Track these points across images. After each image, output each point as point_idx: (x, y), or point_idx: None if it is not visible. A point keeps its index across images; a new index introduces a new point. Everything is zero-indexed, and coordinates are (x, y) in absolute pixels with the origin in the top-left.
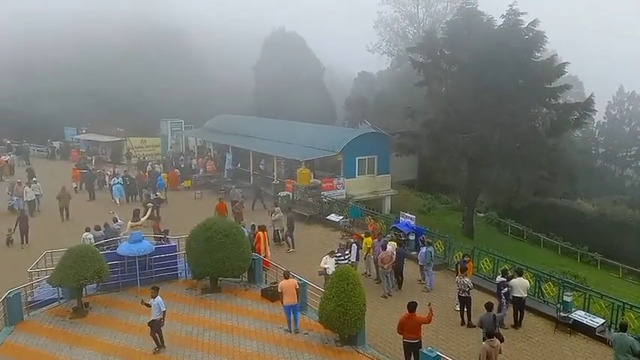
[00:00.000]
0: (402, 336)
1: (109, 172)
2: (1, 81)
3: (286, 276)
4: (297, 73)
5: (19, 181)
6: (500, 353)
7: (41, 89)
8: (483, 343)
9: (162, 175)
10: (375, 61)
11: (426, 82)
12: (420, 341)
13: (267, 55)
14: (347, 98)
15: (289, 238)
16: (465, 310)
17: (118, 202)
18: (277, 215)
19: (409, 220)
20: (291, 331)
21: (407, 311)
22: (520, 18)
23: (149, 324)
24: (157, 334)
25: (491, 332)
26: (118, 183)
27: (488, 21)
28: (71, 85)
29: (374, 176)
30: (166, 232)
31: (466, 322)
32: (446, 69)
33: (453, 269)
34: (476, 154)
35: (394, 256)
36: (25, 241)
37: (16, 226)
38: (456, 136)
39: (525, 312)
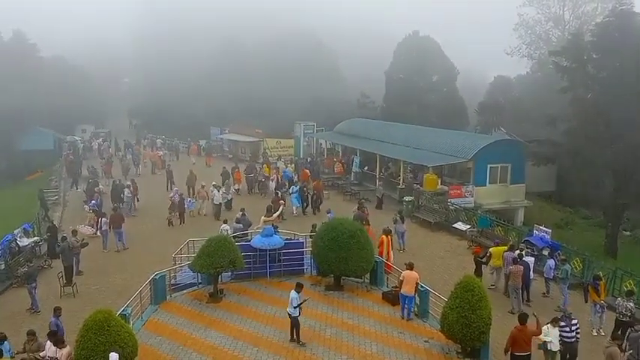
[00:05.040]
0: (511, 349)
1: (271, 178)
2: (156, 83)
3: (410, 267)
4: (429, 76)
5: (203, 184)
6: None
7: (190, 91)
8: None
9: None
10: (513, 65)
11: (570, 88)
12: (530, 355)
13: (399, 59)
14: (480, 103)
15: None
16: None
17: (294, 211)
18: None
19: (544, 234)
20: (403, 318)
21: (518, 324)
22: None
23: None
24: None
25: (616, 336)
26: (295, 192)
27: None
28: (217, 88)
29: (506, 185)
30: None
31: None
32: (593, 74)
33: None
34: (625, 166)
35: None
36: (182, 222)
37: (175, 210)
38: (603, 146)
39: None
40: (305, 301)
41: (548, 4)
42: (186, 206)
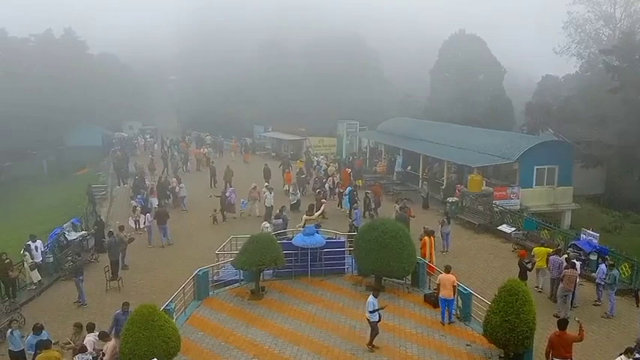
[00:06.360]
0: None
1: (327, 182)
2: (201, 81)
3: (447, 270)
4: (474, 76)
5: (254, 185)
6: None
7: (234, 90)
8: None
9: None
10: (561, 64)
11: (621, 88)
12: None
13: (444, 58)
14: (527, 103)
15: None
16: None
17: (342, 208)
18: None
19: (591, 238)
20: (443, 323)
21: (557, 329)
22: None
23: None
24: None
25: None
26: (348, 194)
27: None
28: (260, 88)
29: (553, 187)
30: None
31: None
32: None
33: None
34: None
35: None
36: (224, 219)
37: (221, 208)
38: None
39: None
40: (383, 307)
41: (598, 1)
42: (241, 207)
